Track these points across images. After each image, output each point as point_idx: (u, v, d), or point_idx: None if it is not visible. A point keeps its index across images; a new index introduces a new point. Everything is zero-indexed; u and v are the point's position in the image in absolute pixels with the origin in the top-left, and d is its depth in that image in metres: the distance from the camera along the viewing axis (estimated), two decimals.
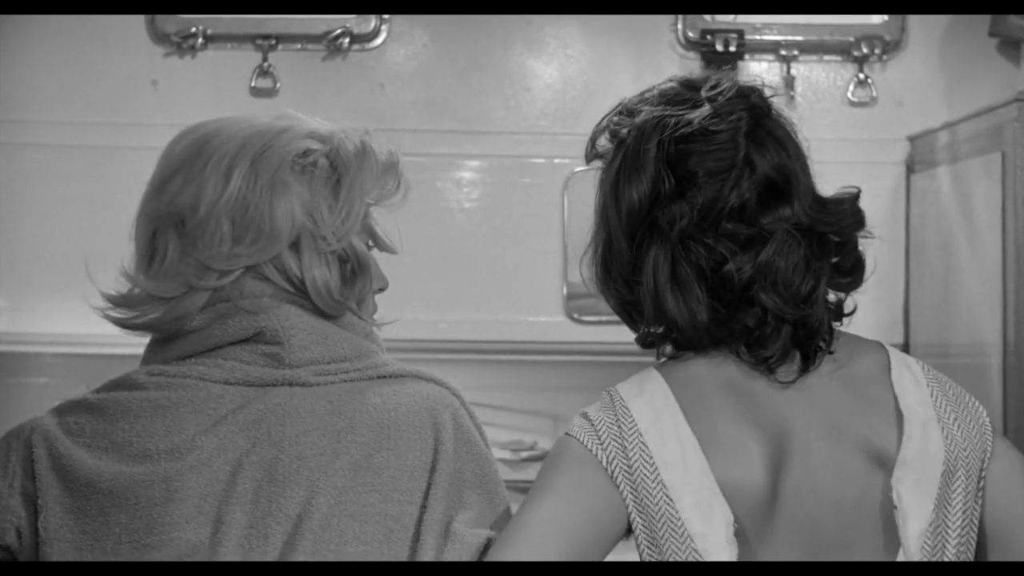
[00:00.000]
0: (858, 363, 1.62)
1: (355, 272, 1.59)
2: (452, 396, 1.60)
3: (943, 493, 1.55)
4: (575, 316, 3.13)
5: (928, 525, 1.53)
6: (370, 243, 1.63)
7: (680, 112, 1.61)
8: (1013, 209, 2.53)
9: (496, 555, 1.49)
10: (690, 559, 1.51)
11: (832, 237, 1.59)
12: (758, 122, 1.62)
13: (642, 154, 1.63)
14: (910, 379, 1.61)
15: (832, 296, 1.62)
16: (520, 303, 3.14)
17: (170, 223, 1.54)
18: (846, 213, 1.60)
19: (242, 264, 1.53)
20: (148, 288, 1.54)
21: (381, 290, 1.66)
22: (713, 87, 1.64)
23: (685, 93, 1.64)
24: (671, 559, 1.53)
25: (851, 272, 1.62)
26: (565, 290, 3.14)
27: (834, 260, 1.60)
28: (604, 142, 1.70)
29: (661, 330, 1.62)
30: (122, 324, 1.58)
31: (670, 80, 1.68)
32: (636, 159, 1.64)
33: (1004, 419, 2.50)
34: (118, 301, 1.57)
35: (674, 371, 1.61)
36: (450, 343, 3.05)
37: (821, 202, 1.60)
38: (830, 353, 1.59)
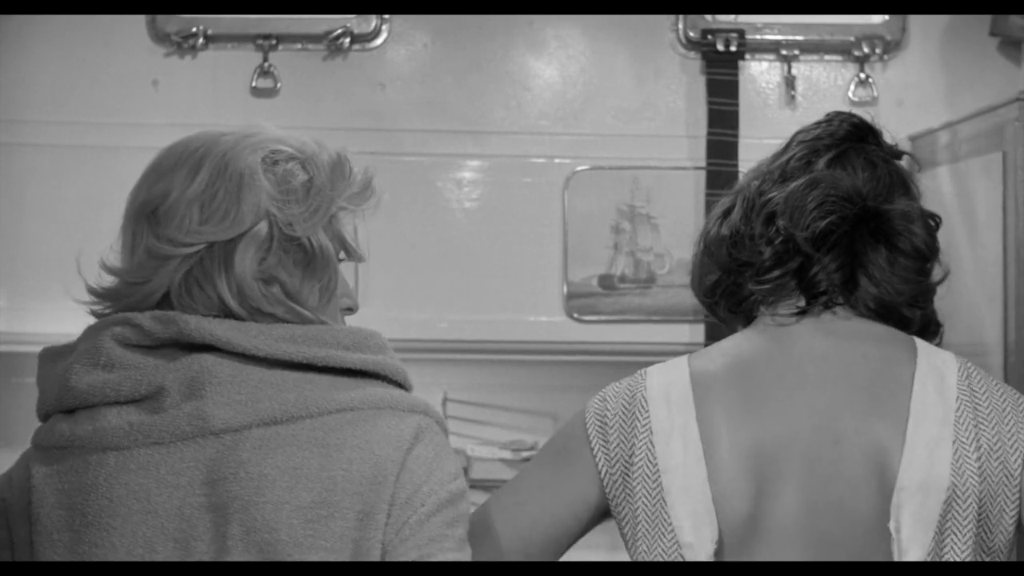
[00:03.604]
0: (884, 360, 1.58)
1: (317, 268, 1.56)
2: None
3: (944, 523, 1.50)
4: (575, 316, 3.13)
5: (927, 555, 1.49)
6: (341, 255, 1.62)
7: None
8: (1014, 209, 2.53)
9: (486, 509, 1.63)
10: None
11: (896, 240, 1.63)
12: (867, 135, 1.72)
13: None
14: (935, 390, 1.55)
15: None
16: (520, 303, 3.14)
17: (144, 214, 1.56)
18: (913, 211, 1.66)
19: (206, 239, 1.52)
20: (125, 276, 1.55)
21: (350, 310, 1.64)
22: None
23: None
24: (655, 559, 1.54)
25: (913, 281, 1.65)
26: (565, 290, 3.14)
27: (901, 268, 1.64)
28: None
29: (697, 253, 1.73)
30: (98, 317, 1.59)
31: None
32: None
33: None
34: (101, 294, 1.58)
35: (702, 369, 1.62)
36: (450, 343, 3.05)
37: (893, 198, 1.66)
38: (832, 312, 1.61)
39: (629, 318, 3.12)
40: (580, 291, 3.14)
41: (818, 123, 1.73)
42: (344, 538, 1.44)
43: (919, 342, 1.62)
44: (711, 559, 1.51)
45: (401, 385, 1.56)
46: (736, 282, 1.66)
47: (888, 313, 1.63)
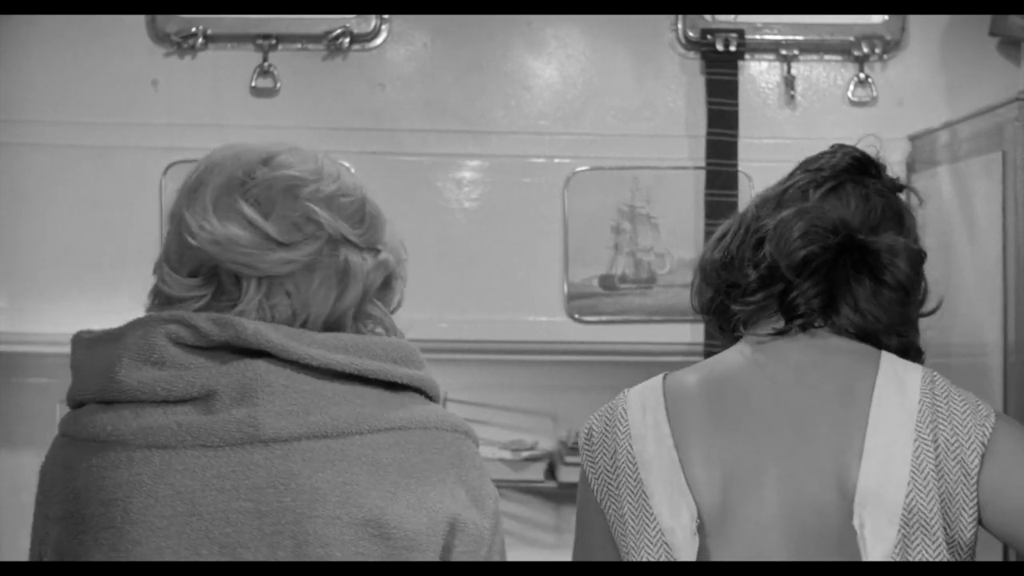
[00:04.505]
0: (850, 371, 1.65)
1: (387, 302, 1.63)
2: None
3: (909, 517, 1.56)
4: (576, 316, 3.13)
5: (894, 549, 1.55)
6: None
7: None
8: (1014, 209, 2.53)
9: None
10: (661, 552, 1.61)
11: (882, 271, 1.68)
12: (868, 168, 1.77)
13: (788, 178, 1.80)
14: (895, 396, 1.61)
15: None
16: (521, 303, 3.14)
17: (290, 189, 1.55)
18: (898, 246, 1.69)
19: (352, 235, 1.55)
20: (273, 233, 1.52)
21: None
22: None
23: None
24: (643, 556, 1.62)
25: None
26: (566, 290, 3.14)
27: (883, 292, 1.68)
28: None
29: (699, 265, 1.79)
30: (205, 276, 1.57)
31: None
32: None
33: None
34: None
35: (677, 378, 1.71)
36: (450, 343, 3.05)
37: (878, 231, 1.71)
38: (808, 328, 1.67)
39: (630, 318, 3.12)
40: (581, 291, 3.14)
41: (822, 154, 1.79)
42: (393, 557, 1.45)
43: (885, 354, 1.68)
44: (694, 537, 1.59)
45: (435, 399, 1.58)
46: (724, 302, 1.74)
47: (865, 338, 1.70)
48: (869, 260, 1.68)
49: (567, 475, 3.14)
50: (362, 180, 1.62)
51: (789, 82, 3.15)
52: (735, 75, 3.13)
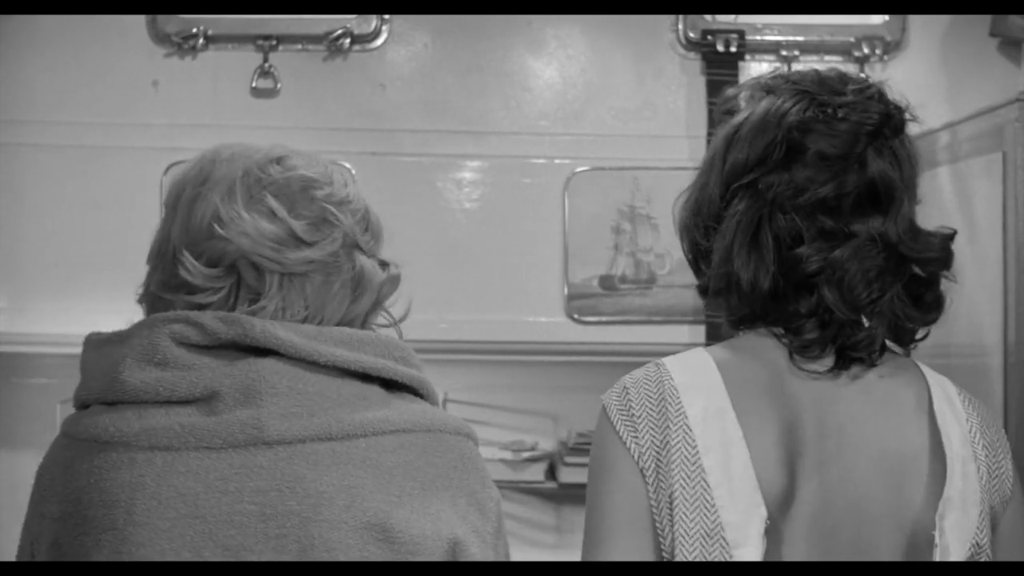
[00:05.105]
0: (901, 382, 1.62)
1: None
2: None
3: (980, 536, 1.55)
4: (576, 316, 3.13)
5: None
6: None
7: (822, 94, 1.62)
8: (1014, 209, 2.52)
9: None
10: (716, 547, 1.52)
11: (914, 268, 1.60)
12: (886, 129, 1.62)
13: (768, 118, 1.61)
14: (951, 414, 1.60)
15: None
16: (520, 303, 3.14)
17: (310, 190, 1.57)
18: (934, 246, 1.62)
19: (355, 237, 1.56)
20: (298, 230, 1.54)
21: None
22: (861, 85, 1.64)
23: (835, 81, 1.64)
24: (696, 545, 1.53)
25: (929, 308, 1.63)
26: (566, 290, 3.14)
27: (915, 293, 1.61)
28: (743, 98, 1.68)
29: (723, 285, 1.62)
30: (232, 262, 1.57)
31: (831, 68, 1.68)
32: (761, 120, 1.62)
33: (1004, 420, 2.49)
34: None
35: (722, 354, 1.62)
36: (450, 343, 3.05)
37: (915, 229, 1.61)
38: (872, 367, 1.60)
39: (630, 319, 3.12)
40: (581, 292, 3.14)
41: (832, 131, 1.61)
42: (397, 560, 1.45)
43: (921, 364, 1.65)
44: (761, 539, 1.52)
45: (429, 401, 1.58)
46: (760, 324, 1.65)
47: (898, 339, 1.65)
48: (916, 274, 1.62)
49: (567, 476, 3.14)
50: (362, 181, 1.63)
51: None
52: (736, 76, 3.13)
